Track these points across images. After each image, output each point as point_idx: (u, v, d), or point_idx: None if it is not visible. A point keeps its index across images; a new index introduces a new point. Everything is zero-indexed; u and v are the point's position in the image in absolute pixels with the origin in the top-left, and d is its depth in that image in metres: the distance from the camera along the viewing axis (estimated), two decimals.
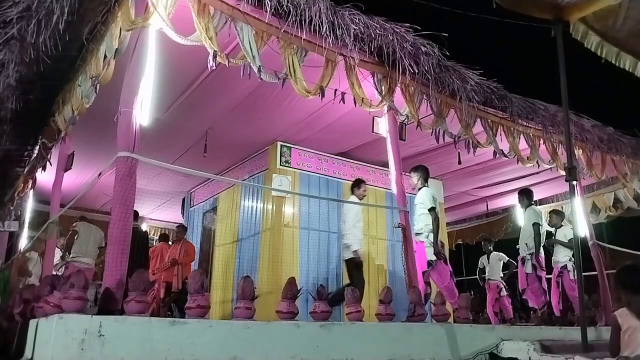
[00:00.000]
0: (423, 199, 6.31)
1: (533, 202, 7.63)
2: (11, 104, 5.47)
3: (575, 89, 5.44)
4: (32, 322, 3.68)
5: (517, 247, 7.36)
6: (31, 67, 4.90)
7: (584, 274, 4.65)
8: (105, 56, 4.58)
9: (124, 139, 3.95)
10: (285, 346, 3.69)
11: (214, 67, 4.47)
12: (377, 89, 5.50)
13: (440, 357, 4.40)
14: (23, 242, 8.14)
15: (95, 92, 4.86)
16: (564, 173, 5.36)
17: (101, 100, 4.92)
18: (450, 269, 6.20)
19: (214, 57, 4.37)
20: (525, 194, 7.55)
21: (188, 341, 3.31)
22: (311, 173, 7.76)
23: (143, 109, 4.11)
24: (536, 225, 7.08)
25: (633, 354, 2.75)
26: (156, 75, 4.28)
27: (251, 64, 4.51)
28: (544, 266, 7.10)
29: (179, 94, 6.06)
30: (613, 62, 4.90)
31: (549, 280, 7.68)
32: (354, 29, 5.01)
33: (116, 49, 4.39)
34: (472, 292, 12.21)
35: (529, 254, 7.01)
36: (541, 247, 7.08)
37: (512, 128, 6.74)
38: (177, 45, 4.42)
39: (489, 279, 9.70)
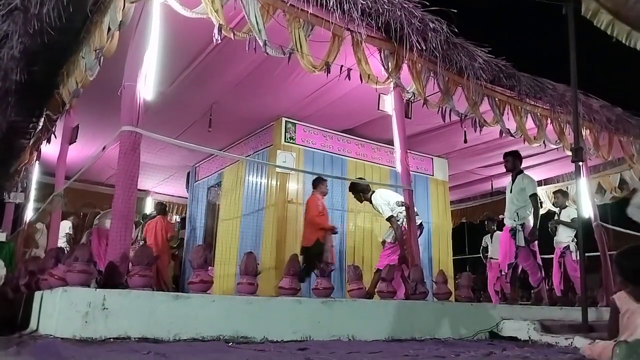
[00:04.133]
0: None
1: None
2: (15, 75, 5.43)
3: (584, 69, 5.36)
4: (37, 294, 3.72)
5: (501, 217, 6.80)
6: (35, 38, 4.85)
7: (586, 254, 4.66)
8: (109, 28, 4.53)
9: (128, 113, 3.95)
10: (287, 322, 3.73)
11: (219, 41, 4.43)
12: (383, 66, 5.43)
13: (441, 335, 4.44)
14: (28, 214, 8.20)
15: (99, 64, 4.82)
16: (570, 153, 5.32)
17: (105, 74, 4.88)
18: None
19: (220, 30, 4.32)
20: (514, 156, 6.64)
21: (191, 315, 3.35)
22: (316, 150, 7.74)
23: (147, 83, 4.10)
24: (534, 196, 6.31)
25: (631, 337, 2.76)
26: (160, 49, 4.26)
27: (257, 38, 4.46)
28: (536, 240, 6.35)
29: (184, 68, 6.02)
30: (624, 41, 4.81)
31: (550, 260, 7.70)
32: (362, 3, 4.93)
33: (120, 21, 4.33)
34: (474, 271, 12.28)
35: (520, 225, 6.24)
36: (521, 218, 6.27)
37: (519, 107, 6.67)
38: (182, 18, 4.37)
39: (490, 258, 9.75)
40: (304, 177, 7.42)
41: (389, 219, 6.18)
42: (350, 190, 6.85)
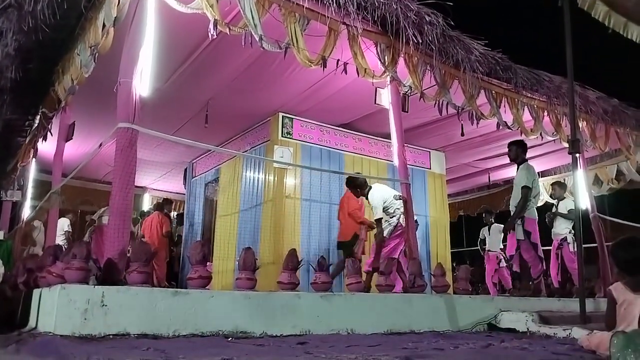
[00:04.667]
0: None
1: (526, 158, 6.44)
2: (11, 73, 5.42)
3: (581, 60, 5.36)
4: (36, 292, 3.73)
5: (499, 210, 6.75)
6: (30, 36, 4.84)
7: (584, 245, 4.67)
8: (104, 25, 4.51)
9: (124, 109, 3.93)
10: (286, 316, 3.73)
11: (215, 36, 4.41)
12: (380, 59, 5.42)
13: (440, 328, 4.45)
14: (26, 212, 8.19)
15: (94, 61, 4.80)
16: (567, 145, 5.33)
17: (101, 70, 4.87)
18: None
19: (215, 25, 4.30)
20: (517, 145, 6.42)
21: (190, 311, 3.36)
22: (313, 144, 7.73)
23: (143, 79, 4.08)
24: (525, 189, 6.08)
25: (629, 328, 2.77)
26: (156, 45, 4.24)
27: (252, 33, 4.44)
28: (536, 232, 6.22)
29: (180, 64, 6.00)
30: (621, 32, 4.81)
31: (548, 252, 7.71)
32: None
33: (115, 17, 4.32)
34: (472, 263, 12.33)
35: (519, 219, 6.11)
36: (523, 213, 6.07)
37: (516, 99, 6.67)
38: (177, 13, 4.36)
39: (488, 250, 9.79)
40: (301, 172, 7.42)
41: (378, 220, 6.12)
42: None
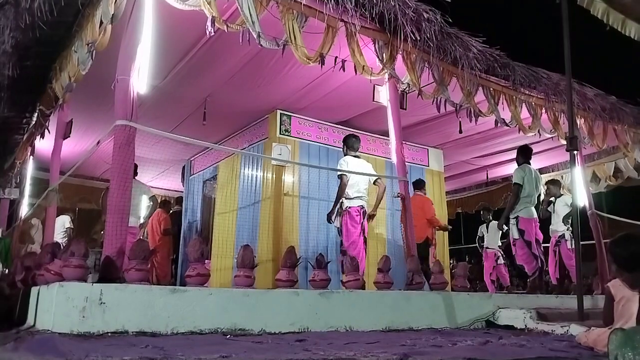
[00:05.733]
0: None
1: (528, 161, 6.78)
2: (8, 70, 5.41)
3: (579, 57, 5.36)
4: (34, 290, 3.72)
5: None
6: (27, 33, 4.82)
7: (581, 242, 4.68)
8: (101, 22, 4.49)
9: (121, 107, 3.93)
10: (284, 313, 3.74)
11: (213, 33, 4.41)
12: (378, 57, 5.42)
13: (438, 325, 4.46)
14: (24, 210, 8.18)
15: (92, 58, 4.79)
16: (565, 142, 5.34)
17: (98, 67, 4.85)
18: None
19: (213, 22, 4.30)
20: (518, 151, 6.92)
21: (188, 308, 3.36)
22: (311, 142, 7.72)
23: (140, 77, 4.07)
24: (515, 186, 6.46)
25: (627, 325, 2.78)
26: (153, 42, 4.23)
27: (250, 30, 4.43)
28: (531, 230, 6.44)
29: (177, 61, 5.98)
30: (619, 29, 4.82)
31: (546, 249, 7.73)
32: None
33: (112, 14, 4.30)
34: (470, 260, 12.35)
35: (514, 218, 6.50)
36: (513, 211, 6.45)
37: (514, 97, 6.67)
38: (175, 10, 4.34)
39: (486, 248, 9.81)
40: (299, 170, 7.41)
41: (340, 176, 5.92)
42: (343, 142, 6.48)
